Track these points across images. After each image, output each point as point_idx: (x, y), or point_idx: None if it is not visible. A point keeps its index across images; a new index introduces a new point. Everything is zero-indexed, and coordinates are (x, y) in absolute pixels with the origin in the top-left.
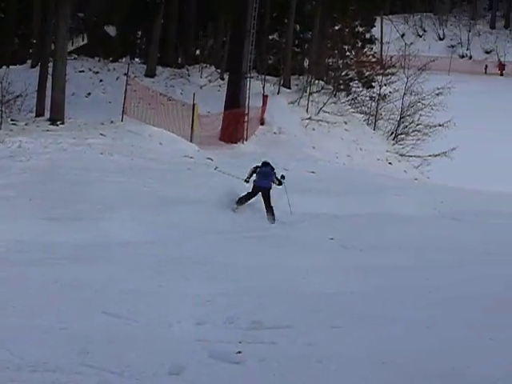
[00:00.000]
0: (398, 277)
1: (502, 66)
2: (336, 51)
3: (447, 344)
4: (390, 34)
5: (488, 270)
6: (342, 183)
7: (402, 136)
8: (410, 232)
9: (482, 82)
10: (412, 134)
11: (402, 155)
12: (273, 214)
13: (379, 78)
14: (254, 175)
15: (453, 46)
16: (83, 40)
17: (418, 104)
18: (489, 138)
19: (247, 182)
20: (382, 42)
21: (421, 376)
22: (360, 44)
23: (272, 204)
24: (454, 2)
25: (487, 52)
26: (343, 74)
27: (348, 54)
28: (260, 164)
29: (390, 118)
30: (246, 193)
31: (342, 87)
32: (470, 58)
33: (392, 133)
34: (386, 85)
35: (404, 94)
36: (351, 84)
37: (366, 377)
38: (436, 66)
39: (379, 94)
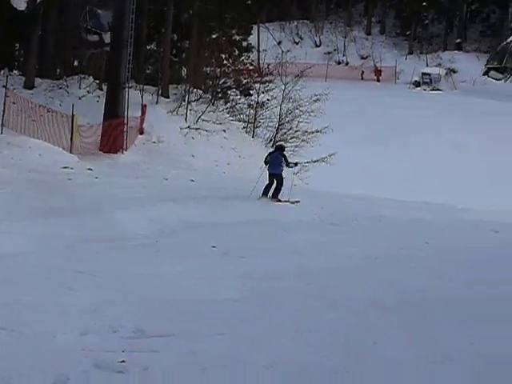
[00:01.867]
0: (281, 282)
1: (378, 72)
2: (213, 60)
3: (331, 347)
4: (267, 41)
5: (369, 274)
6: (222, 191)
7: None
8: (291, 238)
9: (359, 87)
10: (290, 141)
11: None
12: (277, 194)
13: (257, 85)
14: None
15: (329, 53)
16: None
17: (296, 111)
18: (367, 143)
19: (266, 164)
20: (258, 50)
21: (305, 380)
22: (237, 52)
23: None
24: (330, 9)
25: (363, 58)
26: (221, 82)
27: (225, 62)
28: (273, 149)
29: (268, 125)
30: (265, 185)
31: (220, 95)
32: (347, 64)
33: (271, 140)
34: (263, 92)
35: (282, 101)
36: (229, 92)
37: (251, 382)
38: (313, 72)
39: (257, 102)
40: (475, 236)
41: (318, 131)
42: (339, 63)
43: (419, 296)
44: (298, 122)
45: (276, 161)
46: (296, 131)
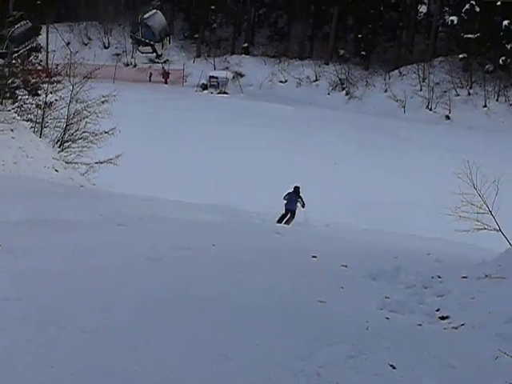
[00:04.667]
0: (59, 279)
1: (166, 74)
2: None
3: (104, 348)
4: (56, 42)
5: (149, 275)
6: (7, 190)
7: (69, 143)
8: (76, 237)
9: (147, 89)
10: (78, 142)
11: (68, 162)
12: (289, 223)
13: (45, 85)
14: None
15: (118, 55)
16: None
17: (84, 112)
18: (155, 145)
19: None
20: (47, 51)
21: (77, 378)
22: (26, 52)
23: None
24: (119, 11)
25: (151, 60)
26: (9, 82)
27: (14, 62)
28: (292, 190)
29: (56, 125)
30: (280, 215)
31: (8, 95)
32: (135, 66)
33: (58, 140)
34: (52, 93)
35: (70, 101)
36: (17, 92)
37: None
38: (102, 74)
39: (45, 102)
40: (260, 238)
41: (105, 132)
42: (127, 65)
43: (200, 296)
44: (86, 122)
45: (293, 200)
46: (83, 132)
